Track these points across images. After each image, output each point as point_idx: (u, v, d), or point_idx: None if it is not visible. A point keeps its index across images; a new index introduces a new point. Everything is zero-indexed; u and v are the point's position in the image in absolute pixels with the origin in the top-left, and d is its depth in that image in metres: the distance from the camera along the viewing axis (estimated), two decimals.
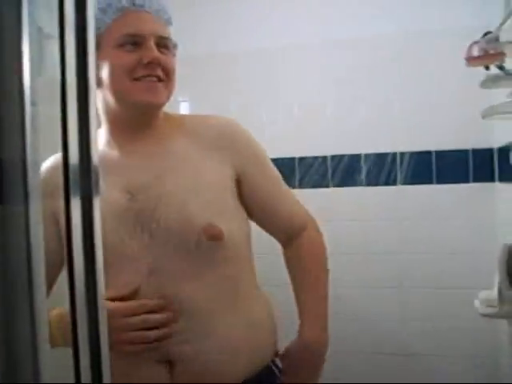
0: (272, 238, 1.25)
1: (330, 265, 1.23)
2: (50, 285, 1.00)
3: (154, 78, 1.04)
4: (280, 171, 1.24)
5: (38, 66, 0.53)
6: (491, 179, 2.13)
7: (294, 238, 1.20)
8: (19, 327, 0.52)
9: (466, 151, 2.18)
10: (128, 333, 0.96)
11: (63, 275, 1.04)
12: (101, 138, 1.10)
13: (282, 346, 1.20)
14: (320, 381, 1.19)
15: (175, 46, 1.11)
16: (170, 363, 1.00)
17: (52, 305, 0.94)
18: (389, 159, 2.25)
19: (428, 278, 2.19)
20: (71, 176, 0.51)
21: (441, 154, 2.21)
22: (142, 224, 1.01)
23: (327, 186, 2.34)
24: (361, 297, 2.31)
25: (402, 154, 2.23)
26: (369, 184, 2.29)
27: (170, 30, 1.10)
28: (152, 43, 1.03)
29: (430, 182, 2.22)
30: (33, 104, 0.51)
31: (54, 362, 0.51)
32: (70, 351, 0.50)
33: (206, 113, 1.24)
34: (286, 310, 1.26)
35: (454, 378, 2.11)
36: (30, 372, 0.51)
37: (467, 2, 2.06)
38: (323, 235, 1.24)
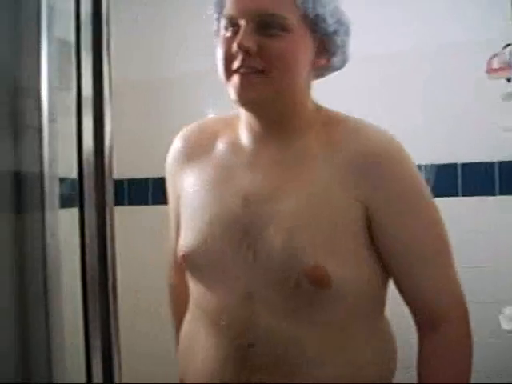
0: None
1: None
2: None
3: (248, 70, 0.80)
4: None
5: (56, 80, 0.55)
6: None
7: (438, 324, 0.88)
8: (35, 333, 0.53)
9: (491, 164, 2.15)
10: None
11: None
12: (235, 124, 0.92)
13: None
14: None
15: (305, 20, 0.82)
16: None
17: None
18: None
19: None
20: (86, 188, 0.52)
21: (466, 167, 2.18)
22: (249, 241, 0.85)
23: None
24: None
25: (427, 166, 2.22)
26: None
27: (290, 5, 0.81)
28: (246, 25, 0.80)
29: (455, 195, 2.19)
30: (51, 119, 0.54)
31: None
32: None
33: None
34: None
35: None
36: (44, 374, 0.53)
37: (487, 15, 2.05)
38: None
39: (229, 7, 0.82)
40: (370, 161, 0.83)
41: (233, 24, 0.82)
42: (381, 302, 0.91)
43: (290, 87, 0.84)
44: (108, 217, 0.52)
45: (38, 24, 0.52)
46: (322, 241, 0.83)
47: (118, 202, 2.33)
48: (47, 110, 0.52)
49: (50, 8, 0.53)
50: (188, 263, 0.90)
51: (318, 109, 0.90)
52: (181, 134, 0.97)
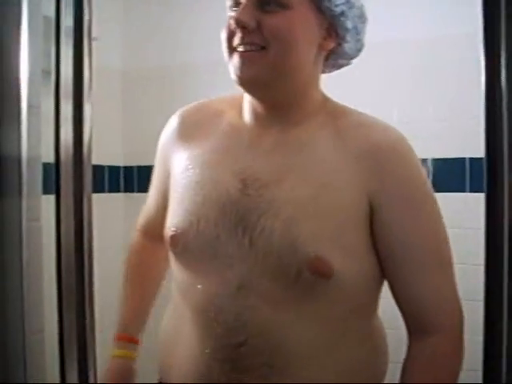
0: None
1: None
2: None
3: (247, 47, 0.78)
4: None
5: (40, 61, 0.54)
6: None
7: (430, 332, 0.84)
8: (11, 320, 0.53)
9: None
10: None
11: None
12: (236, 104, 0.90)
13: None
14: None
15: None
16: None
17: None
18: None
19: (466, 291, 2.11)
20: (63, 174, 0.51)
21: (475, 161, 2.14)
22: (246, 226, 0.81)
23: None
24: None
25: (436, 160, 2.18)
26: None
27: None
28: (247, 2, 0.78)
29: (463, 190, 2.14)
30: (32, 103, 0.52)
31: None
32: None
33: None
34: None
35: None
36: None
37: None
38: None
39: None
40: (379, 155, 0.81)
41: (236, 3, 0.80)
42: (376, 299, 0.88)
43: (290, 66, 0.80)
44: (85, 204, 0.51)
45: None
46: (325, 231, 0.80)
47: (127, 189, 2.34)
48: (27, 93, 0.51)
49: None
50: (176, 245, 0.84)
51: (326, 99, 0.88)
52: (178, 112, 0.94)
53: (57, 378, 0.52)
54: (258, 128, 0.85)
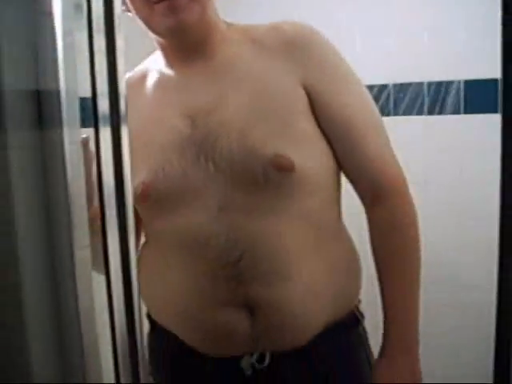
0: None
1: None
2: None
3: None
4: None
5: None
6: None
7: (384, 196, 0.93)
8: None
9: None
10: None
11: None
12: (159, 59, 0.98)
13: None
14: None
15: None
16: (249, 309, 0.88)
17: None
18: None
19: None
20: (100, 106, 0.53)
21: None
22: (205, 153, 0.88)
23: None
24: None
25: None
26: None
27: None
28: None
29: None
30: (65, 36, 0.54)
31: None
32: None
33: None
34: None
35: None
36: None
37: None
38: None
39: None
40: (299, 48, 0.90)
41: None
42: (338, 194, 0.97)
43: (208, 6, 0.90)
44: (123, 136, 0.53)
45: None
46: (276, 130, 0.88)
47: None
48: (62, 27, 0.52)
49: None
50: (147, 199, 0.89)
51: (228, 24, 0.97)
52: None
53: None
54: (186, 69, 0.94)
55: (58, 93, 0.53)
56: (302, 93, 0.89)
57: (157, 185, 0.90)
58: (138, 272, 0.56)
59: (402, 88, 2.20)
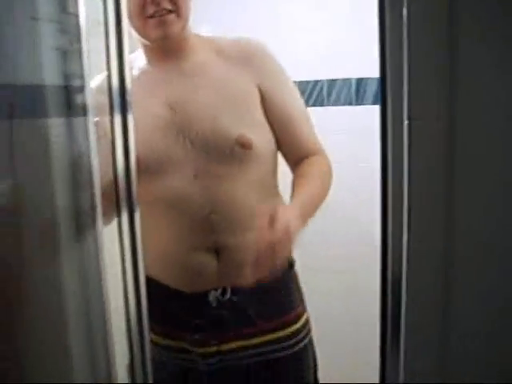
0: None
1: None
2: None
3: (163, 12, 1.10)
4: None
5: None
6: None
7: (310, 154, 1.25)
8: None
9: None
10: None
11: None
12: (141, 57, 1.19)
13: None
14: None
15: None
16: (216, 253, 1.15)
17: None
18: None
19: None
20: (114, 96, 0.66)
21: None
22: (184, 133, 1.13)
23: None
24: None
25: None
26: None
27: None
28: None
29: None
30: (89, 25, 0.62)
31: None
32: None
33: None
34: None
35: None
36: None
37: None
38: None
39: None
40: (255, 57, 1.21)
41: None
42: (276, 166, 1.26)
43: (187, 19, 1.16)
44: (129, 121, 0.67)
45: None
46: (238, 117, 1.16)
47: None
48: (85, 26, 0.62)
49: None
50: (141, 168, 0.99)
51: (195, 34, 1.23)
52: None
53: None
54: (164, 67, 1.19)
55: (82, 87, 0.63)
56: (256, 92, 1.20)
57: (146, 159, 1.11)
58: None
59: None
